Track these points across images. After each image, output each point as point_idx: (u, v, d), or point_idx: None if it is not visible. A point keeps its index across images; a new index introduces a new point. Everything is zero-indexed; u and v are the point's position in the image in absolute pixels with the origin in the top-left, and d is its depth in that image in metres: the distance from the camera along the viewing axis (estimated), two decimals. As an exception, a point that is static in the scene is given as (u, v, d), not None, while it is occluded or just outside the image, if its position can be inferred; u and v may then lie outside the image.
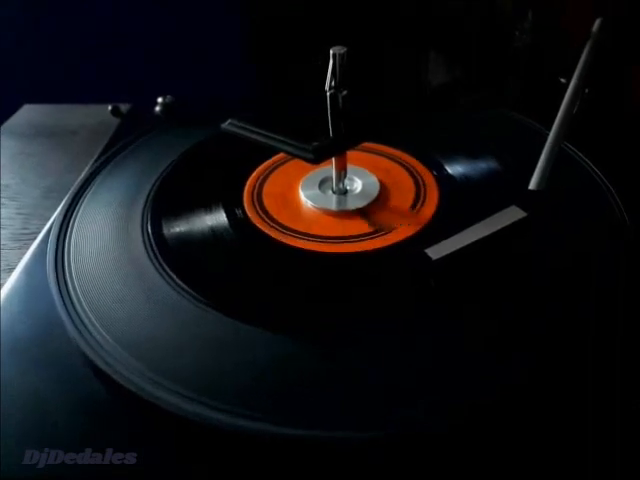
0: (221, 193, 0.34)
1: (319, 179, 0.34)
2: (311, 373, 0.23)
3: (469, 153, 0.36)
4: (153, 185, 0.35)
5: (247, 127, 0.32)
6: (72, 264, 0.29)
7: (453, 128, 0.40)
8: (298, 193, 0.34)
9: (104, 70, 0.62)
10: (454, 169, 0.35)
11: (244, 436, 0.20)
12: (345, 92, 0.30)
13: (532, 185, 0.30)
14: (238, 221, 0.31)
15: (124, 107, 0.50)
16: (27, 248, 0.32)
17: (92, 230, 0.32)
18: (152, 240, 0.30)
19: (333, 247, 0.29)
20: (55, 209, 0.35)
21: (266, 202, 0.33)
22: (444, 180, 0.34)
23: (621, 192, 0.31)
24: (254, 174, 0.36)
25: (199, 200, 0.33)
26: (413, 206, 0.32)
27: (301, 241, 0.30)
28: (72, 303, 0.26)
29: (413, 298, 0.26)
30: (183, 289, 0.26)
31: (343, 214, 0.32)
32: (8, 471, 0.20)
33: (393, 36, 0.55)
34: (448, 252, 0.27)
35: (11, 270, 0.30)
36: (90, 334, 0.24)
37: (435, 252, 0.27)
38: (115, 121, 0.49)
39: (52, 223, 0.33)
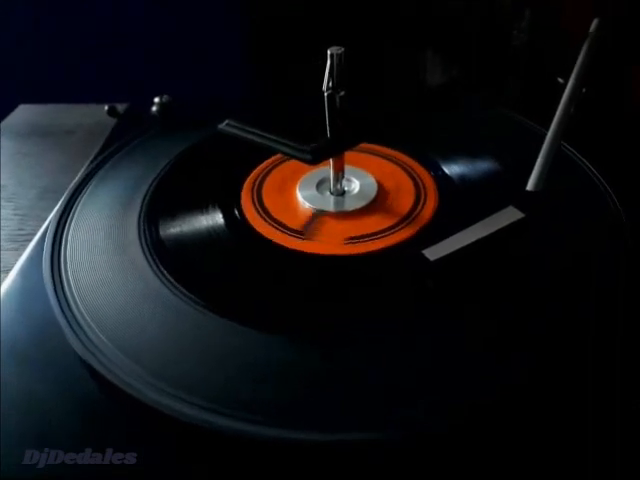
0: (219, 194, 0.33)
1: (317, 180, 0.34)
2: (310, 375, 0.23)
3: (467, 154, 0.36)
4: (150, 186, 0.35)
5: (244, 128, 0.32)
6: (68, 265, 0.29)
7: (451, 129, 0.40)
8: (296, 194, 0.34)
9: (103, 70, 0.62)
10: (452, 170, 0.35)
11: (244, 439, 0.20)
12: (343, 93, 0.29)
13: (529, 186, 0.30)
14: (236, 222, 0.31)
15: (121, 107, 0.49)
16: (23, 249, 0.32)
17: (88, 231, 0.31)
18: (149, 242, 0.30)
19: (331, 249, 0.29)
20: (51, 210, 0.35)
21: (265, 203, 0.33)
22: (442, 181, 0.34)
23: (619, 192, 0.31)
24: (252, 175, 0.36)
25: (196, 201, 0.33)
26: (412, 207, 0.32)
27: (299, 242, 0.30)
28: (68, 304, 0.26)
29: (412, 299, 0.26)
30: (180, 291, 0.26)
31: (341, 215, 0.32)
32: (8, 471, 0.20)
33: (393, 36, 0.55)
34: (446, 253, 0.27)
35: (7, 271, 0.30)
36: (86, 336, 0.24)
37: (433, 253, 0.27)
38: (112, 121, 0.48)
39: (48, 224, 0.33)
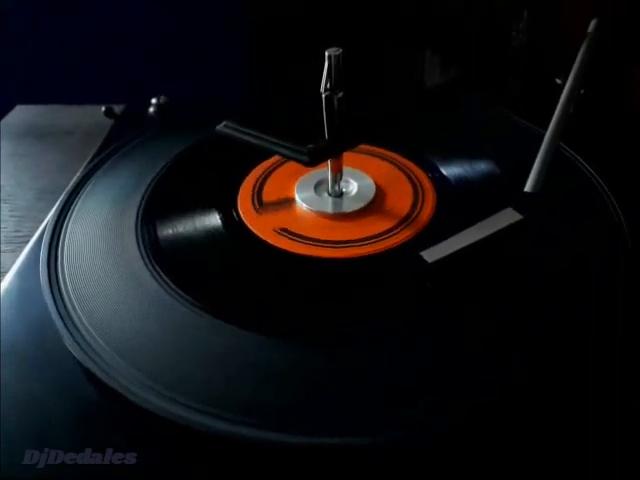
0: (217, 196, 0.33)
1: (315, 181, 0.34)
2: (310, 376, 0.23)
3: (465, 155, 0.36)
4: (147, 187, 0.35)
5: (242, 129, 0.32)
6: (65, 267, 0.29)
7: (450, 130, 0.40)
8: (294, 195, 0.33)
9: (102, 70, 0.62)
10: (450, 171, 0.35)
11: (245, 443, 0.20)
12: (341, 94, 0.29)
13: (528, 187, 0.30)
14: (234, 225, 0.31)
15: (118, 108, 0.49)
16: (20, 251, 0.32)
17: (86, 233, 0.31)
18: (146, 243, 0.30)
19: (329, 252, 0.29)
20: (48, 211, 0.35)
21: (264, 203, 0.33)
22: (440, 182, 0.34)
23: (617, 193, 0.31)
24: (251, 176, 0.36)
25: (194, 203, 0.33)
26: (410, 208, 0.32)
27: (297, 245, 0.29)
28: (65, 306, 0.26)
29: (411, 301, 0.26)
30: (177, 293, 0.26)
31: (339, 217, 0.32)
32: (8, 471, 0.20)
33: (392, 36, 0.55)
34: (444, 255, 0.27)
35: (4, 273, 0.30)
36: (83, 338, 0.24)
37: (431, 255, 0.27)
38: (110, 122, 0.48)
39: (46, 225, 0.33)
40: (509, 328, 0.24)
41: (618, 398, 0.21)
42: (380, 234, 0.30)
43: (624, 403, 0.21)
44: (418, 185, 0.34)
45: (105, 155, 0.39)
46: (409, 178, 0.35)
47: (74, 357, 0.24)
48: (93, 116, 0.50)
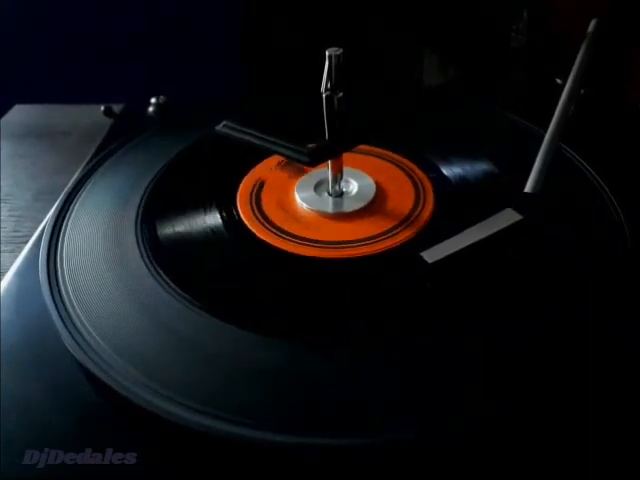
0: (217, 195, 0.33)
1: (315, 181, 0.34)
2: (308, 378, 0.23)
3: (466, 155, 0.36)
4: (147, 187, 0.35)
5: (241, 129, 0.32)
6: (65, 267, 0.28)
7: (450, 130, 0.40)
8: (294, 195, 0.33)
9: (101, 70, 0.62)
10: (451, 171, 0.35)
11: (244, 443, 0.20)
12: (341, 94, 0.29)
13: (528, 188, 0.30)
14: (233, 224, 0.31)
15: (117, 107, 0.49)
16: (19, 251, 0.32)
17: (85, 233, 0.31)
18: (146, 243, 0.30)
19: (328, 252, 0.29)
20: (47, 211, 0.34)
21: (263, 204, 0.33)
22: (441, 182, 0.34)
23: (617, 193, 0.31)
24: (250, 175, 0.36)
25: (194, 203, 0.33)
26: (411, 208, 0.32)
27: (297, 244, 0.29)
28: (64, 306, 0.26)
29: (410, 301, 0.26)
30: (177, 292, 0.26)
31: (339, 216, 0.32)
32: (8, 471, 0.20)
33: (392, 36, 0.55)
34: (444, 255, 0.27)
35: (4, 273, 0.30)
36: (83, 338, 0.24)
37: (431, 255, 0.27)
38: (108, 122, 0.48)
39: (44, 226, 0.32)
40: (509, 328, 0.24)
41: (618, 398, 0.21)
42: (380, 234, 0.30)
43: (624, 403, 0.21)
44: (419, 185, 0.34)
45: (104, 155, 0.39)
46: (409, 178, 0.35)
47: (73, 357, 0.24)
48: (90, 116, 0.50)
